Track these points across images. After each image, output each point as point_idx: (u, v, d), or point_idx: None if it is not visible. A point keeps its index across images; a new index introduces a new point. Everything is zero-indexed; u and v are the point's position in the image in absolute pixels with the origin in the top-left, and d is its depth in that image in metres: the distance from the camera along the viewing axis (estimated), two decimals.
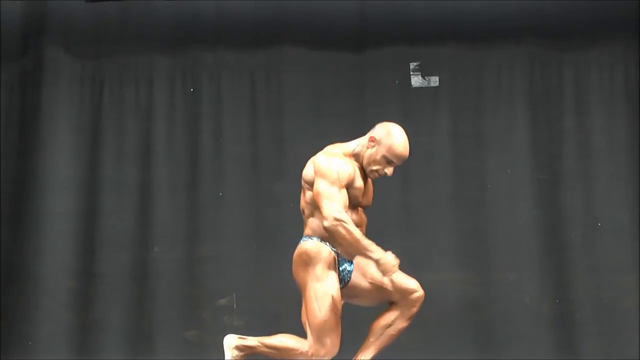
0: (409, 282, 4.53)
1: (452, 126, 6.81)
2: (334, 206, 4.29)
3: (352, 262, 4.53)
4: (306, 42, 6.89)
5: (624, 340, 6.52)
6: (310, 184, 4.45)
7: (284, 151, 6.82)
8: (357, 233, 4.32)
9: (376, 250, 4.30)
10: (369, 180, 4.61)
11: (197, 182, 6.86)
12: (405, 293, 4.51)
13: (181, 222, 6.82)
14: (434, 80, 6.85)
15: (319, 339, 4.33)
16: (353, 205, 4.46)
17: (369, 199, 4.61)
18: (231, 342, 4.58)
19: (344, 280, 4.49)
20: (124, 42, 6.95)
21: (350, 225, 4.29)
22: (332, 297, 4.36)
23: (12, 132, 6.90)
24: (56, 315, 6.70)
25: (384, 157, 4.47)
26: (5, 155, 6.86)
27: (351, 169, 4.46)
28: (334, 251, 4.44)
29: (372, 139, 4.50)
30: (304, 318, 4.47)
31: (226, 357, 4.57)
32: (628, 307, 6.56)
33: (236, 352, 4.55)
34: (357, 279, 4.53)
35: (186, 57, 6.96)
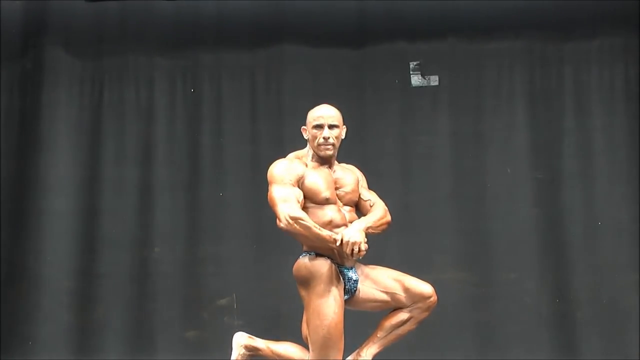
0: (424, 287, 4.53)
1: (452, 125, 6.81)
2: (287, 206, 4.31)
3: (355, 270, 4.50)
4: (306, 40, 6.89)
5: (624, 340, 6.51)
6: None
7: (284, 151, 6.80)
8: (315, 226, 4.30)
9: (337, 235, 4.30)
10: (347, 174, 4.60)
11: (197, 182, 6.86)
12: (420, 298, 4.50)
13: (181, 222, 6.82)
14: (434, 80, 6.85)
15: (321, 355, 4.31)
16: (330, 202, 4.44)
17: (350, 193, 4.57)
18: (240, 340, 4.62)
19: (351, 291, 4.47)
20: (124, 42, 6.96)
21: (307, 220, 4.29)
22: (335, 313, 4.31)
23: (12, 132, 6.91)
24: (56, 315, 6.71)
25: (311, 127, 4.56)
26: (5, 155, 6.86)
27: (298, 165, 4.50)
28: (335, 263, 4.40)
29: (302, 130, 4.62)
30: (304, 332, 4.46)
31: (233, 354, 4.60)
32: (628, 307, 6.56)
33: (244, 351, 4.60)
34: (368, 288, 4.51)
35: (186, 58, 6.96)
